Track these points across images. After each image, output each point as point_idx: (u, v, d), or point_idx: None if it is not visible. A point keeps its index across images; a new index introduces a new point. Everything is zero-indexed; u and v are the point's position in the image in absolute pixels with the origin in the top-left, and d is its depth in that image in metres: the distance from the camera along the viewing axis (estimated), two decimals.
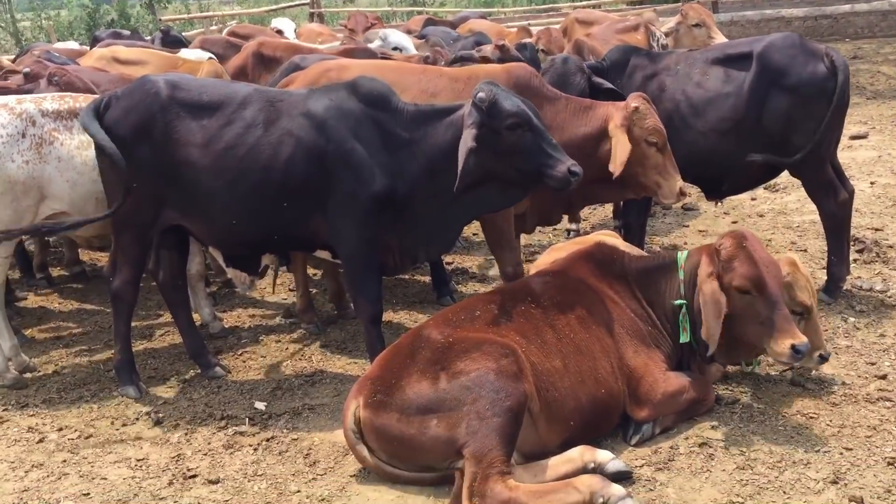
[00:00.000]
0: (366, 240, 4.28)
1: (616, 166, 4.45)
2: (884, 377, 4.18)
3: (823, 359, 3.94)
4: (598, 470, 3.42)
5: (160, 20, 18.29)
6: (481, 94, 3.96)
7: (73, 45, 10.34)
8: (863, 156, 8.49)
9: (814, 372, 4.18)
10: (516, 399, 3.36)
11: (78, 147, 4.69)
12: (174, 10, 24.73)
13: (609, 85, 5.29)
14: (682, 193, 4.62)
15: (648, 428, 3.78)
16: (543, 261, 4.67)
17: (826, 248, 5.38)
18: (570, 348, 3.69)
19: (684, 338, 3.84)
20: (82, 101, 4.83)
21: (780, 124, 5.03)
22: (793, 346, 3.52)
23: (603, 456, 3.47)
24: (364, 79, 4.34)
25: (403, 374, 3.47)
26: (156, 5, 22.33)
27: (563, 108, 4.74)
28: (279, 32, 9.57)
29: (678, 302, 3.89)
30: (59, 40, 15.02)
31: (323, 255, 4.60)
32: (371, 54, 6.52)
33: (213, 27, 17.13)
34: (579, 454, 3.48)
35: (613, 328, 3.84)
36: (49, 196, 4.67)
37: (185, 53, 7.67)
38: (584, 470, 3.41)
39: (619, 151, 4.47)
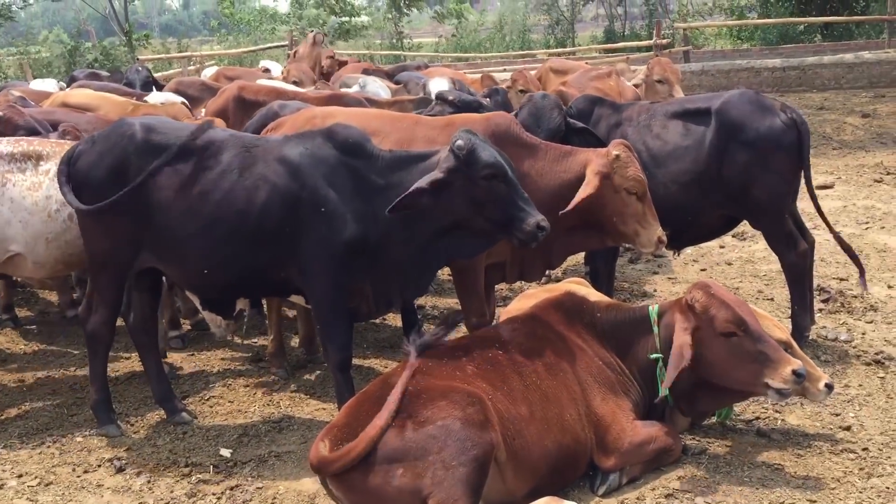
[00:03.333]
0: (337, 286, 4.28)
1: (572, 202, 4.44)
2: (848, 428, 4.22)
3: (830, 388, 3.88)
4: None
5: (138, 59, 18.36)
6: (459, 142, 4.01)
7: (51, 83, 10.31)
8: (829, 206, 8.62)
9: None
10: (482, 448, 3.35)
11: (29, 188, 4.79)
12: (152, 51, 24.84)
13: (582, 125, 5.38)
14: (660, 241, 4.64)
15: (615, 478, 3.78)
16: (514, 307, 4.69)
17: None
18: (536, 396, 3.69)
19: (663, 391, 3.85)
20: (37, 144, 4.98)
21: (739, 177, 5.14)
22: (794, 371, 3.57)
23: None
24: (339, 126, 4.38)
25: (369, 423, 3.45)
26: (135, 44, 22.41)
27: (542, 156, 4.74)
28: (266, 71, 9.58)
29: (654, 356, 3.92)
30: (34, 77, 15.00)
31: (297, 300, 4.58)
32: (358, 101, 6.57)
33: (191, 67, 17.20)
34: None
35: (581, 376, 3.86)
36: (6, 238, 4.73)
37: (154, 97, 7.68)
38: None
39: (581, 190, 4.46)
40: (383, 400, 3.55)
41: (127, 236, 4.36)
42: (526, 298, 4.77)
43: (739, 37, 26.99)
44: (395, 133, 4.86)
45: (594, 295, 4.41)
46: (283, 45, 19.24)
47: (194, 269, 4.36)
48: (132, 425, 4.77)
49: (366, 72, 10.10)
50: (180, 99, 7.47)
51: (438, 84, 7.76)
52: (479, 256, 4.70)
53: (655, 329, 3.96)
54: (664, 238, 4.64)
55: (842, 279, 6.53)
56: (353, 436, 3.43)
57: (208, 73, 10.83)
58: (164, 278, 4.84)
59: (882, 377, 4.80)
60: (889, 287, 6.32)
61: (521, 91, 7.76)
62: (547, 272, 6.84)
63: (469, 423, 3.38)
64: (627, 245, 5.03)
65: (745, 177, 5.12)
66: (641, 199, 4.62)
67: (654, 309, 4.02)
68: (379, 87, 8.16)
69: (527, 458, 3.55)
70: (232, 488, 4.03)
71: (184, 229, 4.25)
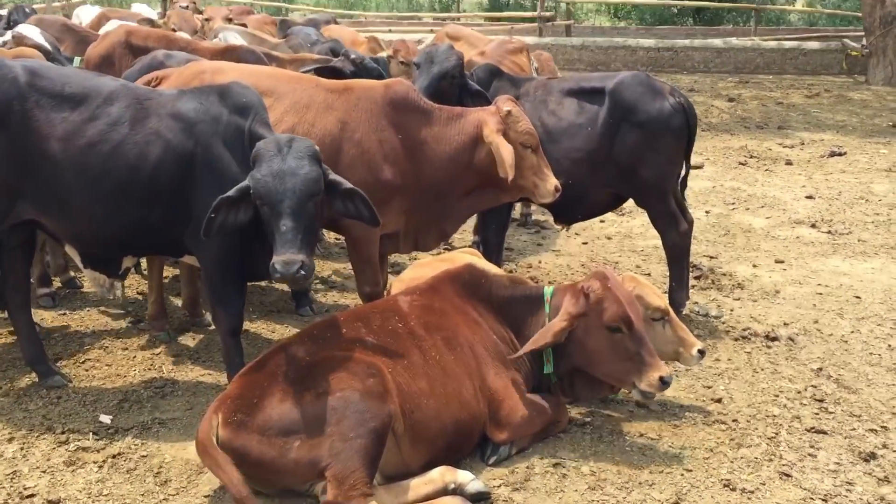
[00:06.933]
0: (229, 249, 4.16)
1: (508, 170, 4.44)
2: (719, 401, 4.50)
3: (702, 353, 4.17)
4: (458, 491, 3.49)
5: None
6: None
7: None
8: (699, 185, 9.09)
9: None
10: (381, 420, 3.36)
11: None
12: None
13: (479, 88, 5.46)
14: (556, 190, 4.71)
15: (506, 449, 3.87)
16: (408, 275, 4.70)
17: (668, 274, 5.73)
18: (436, 371, 3.72)
19: (548, 368, 3.97)
20: None
21: (628, 157, 5.33)
22: (661, 378, 3.74)
23: (463, 477, 3.53)
24: (237, 85, 4.23)
25: (265, 394, 3.39)
26: None
27: (437, 121, 4.72)
28: (149, 22, 8.93)
29: None
30: None
31: (189, 260, 4.42)
32: (255, 56, 6.31)
33: (56, 3, 16.05)
34: (440, 475, 3.53)
35: (477, 350, 3.91)
36: None
37: (22, 29, 7.08)
38: (444, 491, 3.47)
39: (506, 156, 4.46)
40: (275, 370, 3.49)
41: (2, 186, 4.07)
42: (419, 268, 4.79)
43: (617, 15, 27.75)
44: (291, 95, 4.72)
45: (490, 268, 4.47)
46: None
47: (80, 224, 4.14)
48: (0, 388, 4.49)
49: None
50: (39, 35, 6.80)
51: (236, 39, 7.67)
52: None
53: (547, 308, 4.06)
54: (559, 187, 4.73)
55: (711, 257, 6.90)
56: (248, 407, 3.36)
57: (83, 13, 10.08)
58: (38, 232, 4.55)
59: (748, 352, 5.13)
60: (754, 266, 6.73)
61: (402, 63, 7.67)
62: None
63: (368, 395, 3.38)
64: (525, 198, 5.11)
65: (633, 157, 5.31)
66: (535, 152, 4.70)
67: (549, 289, 4.11)
68: (238, 39, 7.87)
69: (424, 432, 3.59)
70: (114, 456, 3.87)
71: (70, 182, 4.02)
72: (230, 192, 3.78)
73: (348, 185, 3.92)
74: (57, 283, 5.93)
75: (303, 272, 3.59)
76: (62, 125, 4.01)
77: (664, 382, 3.76)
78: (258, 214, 3.82)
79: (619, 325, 3.80)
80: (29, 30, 6.39)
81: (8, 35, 6.61)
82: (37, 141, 4.01)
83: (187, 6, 9.81)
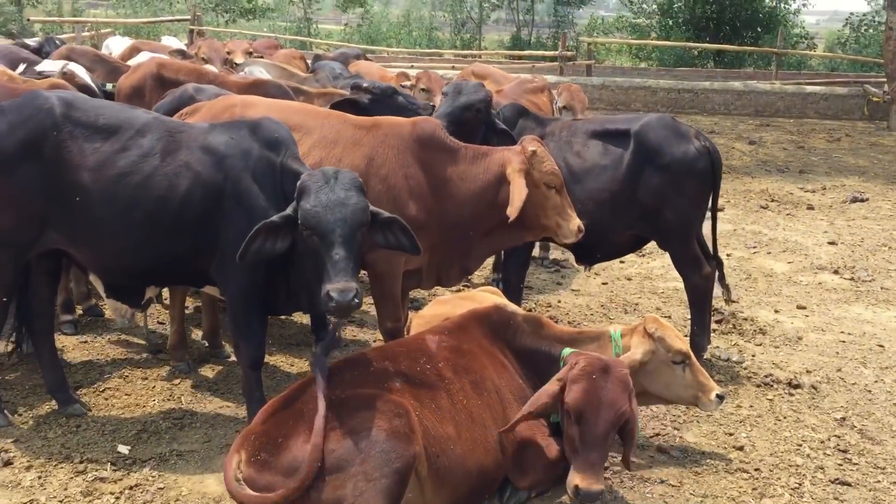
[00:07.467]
0: (253, 282, 4.18)
1: (513, 210, 4.47)
2: (741, 448, 4.44)
3: (721, 398, 4.09)
4: None
5: (28, 20, 17.31)
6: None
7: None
8: (719, 228, 9.00)
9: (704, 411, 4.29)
10: (405, 461, 3.32)
11: None
12: (44, 11, 23.46)
13: (504, 127, 5.48)
14: (579, 230, 4.71)
15: (525, 493, 3.83)
16: (428, 312, 4.69)
17: (689, 317, 5.70)
18: (462, 415, 3.68)
19: (555, 418, 3.87)
20: None
21: (652, 200, 5.33)
22: (576, 488, 3.51)
23: None
24: (269, 121, 4.28)
25: (291, 433, 3.35)
26: (25, 2, 21.11)
27: (462, 158, 4.75)
28: (181, 53, 9.05)
29: None
30: None
31: (211, 291, 4.44)
32: (281, 90, 6.39)
33: (86, 33, 16.36)
34: None
35: (503, 395, 3.87)
36: None
37: (48, 65, 7.19)
38: None
39: (517, 195, 4.49)
40: (301, 408, 3.46)
41: (33, 215, 4.12)
42: (439, 304, 4.78)
43: (638, 55, 27.96)
44: (319, 131, 4.77)
45: (517, 309, 4.41)
46: (185, 19, 18.57)
47: (106, 253, 4.18)
48: (20, 415, 4.50)
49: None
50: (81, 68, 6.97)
51: (258, 71, 7.76)
52: (398, 262, 4.68)
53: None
54: (582, 227, 4.73)
55: (732, 301, 6.85)
56: (273, 445, 3.33)
57: (113, 44, 10.24)
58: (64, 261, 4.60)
59: (770, 399, 5.07)
60: (776, 311, 6.68)
61: (423, 90, 7.89)
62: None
63: (394, 435, 3.33)
64: (547, 238, 5.11)
65: (658, 199, 5.30)
66: (559, 192, 4.71)
67: (566, 351, 3.99)
68: (264, 73, 7.97)
69: (448, 477, 3.54)
70: (131, 487, 3.86)
71: (99, 211, 4.05)
72: (273, 218, 3.80)
73: (387, 214, 3.93)
74: (79, 310, 5.96)
75: (356, 300, 3.60)
76: (94, 156, 4.07)
77: (576, 493, 3.52)
78: (292, 247, 3.84)
79: (570, 413, 3.61)
80: (77, 69, 6.53)
81: (48, 65, 6.70)
82: (69, 171, 4.06)
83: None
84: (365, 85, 6.02)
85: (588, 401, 3.55)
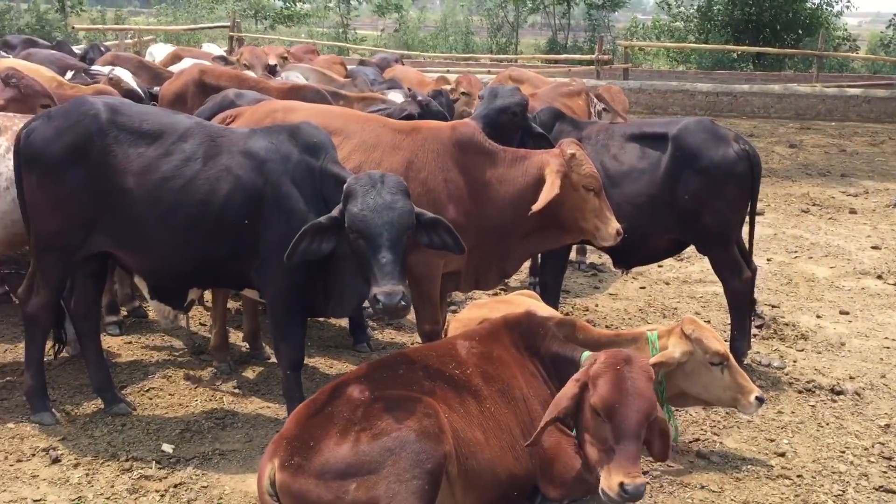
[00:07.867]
0: (293, 284, 4.23)
1: (538, 204, 4.50)
2: (783, 454, 4.39)
3: (760, 401, 4.02)
4: None
5: (73, 28, 17.68)
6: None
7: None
8: (760, 232, 8.92)
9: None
10: (436, 461, 3.33)
11: None
12: (88, 19, 23.93)
13: (541, 131, 5.48)
14: (618, 234, 4.71)
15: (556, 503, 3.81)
16: (465, 315, 4.70)
17: (728, 322, 5.65)
18: (491, 423, 3.68)
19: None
20: None
21: (691, 203, 5.29)
22: (621, 485, 3.29)
23: None
24: (308, 125, 4.34)
25: (322, 436, 3.38)
26: (69, 10, 21.54)
27: (501, 161, 4.77)
28: (223, 59, 9.21)
29: None
30: None
31: (251, 294, 4.51)
32: (319, 95, 6.47)
33: (129, 40, 16.66)
34: None
35: (531, 405, 3.83)
36: None
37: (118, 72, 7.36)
38: None
39: (547, 192, 4.52)
40: (332, 411, 3.48)
41: (80, 218, 4.22)
42: (477, 308, 4.79)
43: (676, 59, 27.71)
44: (359, 135, 4.82)
45: (550, 316, 4.36)
46: (225, 26, 18.83)
47: (151, 256, 4.26)
48: (67, 414, 4.61)
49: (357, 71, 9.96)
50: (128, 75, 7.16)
51: (295, 76, 7.86)
52: (437, 264, 4.71)
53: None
54: (621, 231, 4.71)
55: (773, 306, 6.78)
56: (305, 449, 3.36)
57: (156, 51, 10.44)
58: (109, 263, 4.70)
59: (813, 406, 5.01)
60: (818, 317, 6.59)
61: (464, 93, 7.98)
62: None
63: (424, 435, 3.35)
64: (586, 241, 5.10)
65: (696, 203, 5.27)
66: (598, 195, 4.71)
67: (585, 355, 3.87)
68: (301, 78, 8.08)
69: (478, 479, 3.54)
70: (176, 486, 3.93)
71: (143, 214, 4.14)
72: (321, 219, 3.85)
73: (430, 214, 3.96)
74: (123, 311, 6.08)
75: (403, 303, 3.63)
76: (138, 160, 4.15)
77: (624, 491, 3.32)
78: (335, 249, 3.89)
79: (599, 411, 3.47)
80: (123, 74, 6.69)
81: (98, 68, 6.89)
82: (114, 175, 4.15)
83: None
84: (419, 98, 6.11)
85: (617, 392, 3.41)
